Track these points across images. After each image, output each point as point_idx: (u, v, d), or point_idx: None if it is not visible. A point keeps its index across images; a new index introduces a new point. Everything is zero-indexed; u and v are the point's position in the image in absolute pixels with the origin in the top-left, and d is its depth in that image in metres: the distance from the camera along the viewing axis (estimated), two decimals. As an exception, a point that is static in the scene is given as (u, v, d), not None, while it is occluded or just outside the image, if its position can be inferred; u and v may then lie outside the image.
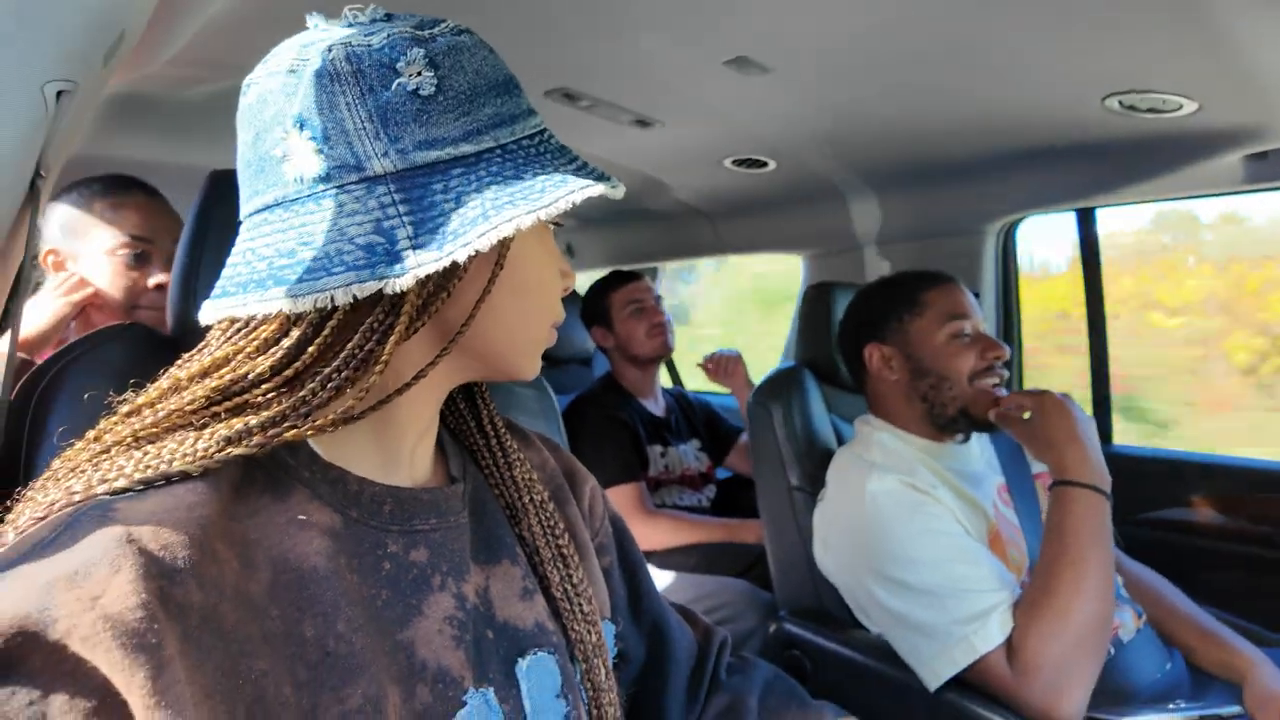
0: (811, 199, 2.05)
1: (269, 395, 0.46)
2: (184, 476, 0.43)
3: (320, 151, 0.45)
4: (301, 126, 0.45)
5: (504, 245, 0.49)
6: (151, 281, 1.18)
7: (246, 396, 0.46)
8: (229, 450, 0.44)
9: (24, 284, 0.70)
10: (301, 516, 0.47)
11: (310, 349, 0.46)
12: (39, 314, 1.14)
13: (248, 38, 1.04)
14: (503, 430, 0.62)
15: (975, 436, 1.33)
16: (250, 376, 0.46)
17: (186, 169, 1.37)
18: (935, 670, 1.08)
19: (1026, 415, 1.18)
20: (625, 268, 2.24)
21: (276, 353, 0.46)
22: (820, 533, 1.32)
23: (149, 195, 1.21)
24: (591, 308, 2.14)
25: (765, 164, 1.78)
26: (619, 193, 0.50)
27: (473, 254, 0.44)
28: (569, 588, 0.59)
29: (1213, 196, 1.57)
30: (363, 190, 0.45)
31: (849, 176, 1.85)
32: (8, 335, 0.63)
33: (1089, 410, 1.84)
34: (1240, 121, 1.26)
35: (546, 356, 2.78)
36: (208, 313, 0.48)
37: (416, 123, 0.45)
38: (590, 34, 1.14)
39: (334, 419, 0.46)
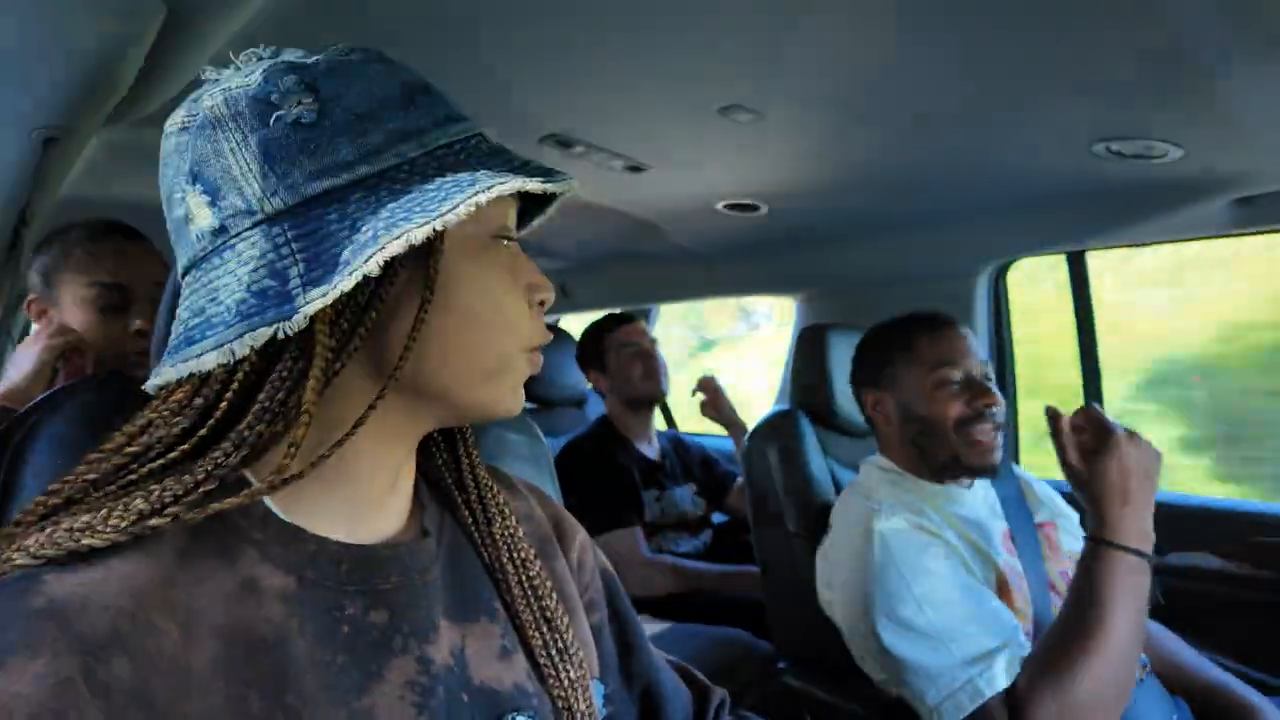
0: (804, 242, 2.06)
1: (186, 460, 0.44)
2: (116, 546, 0.41)
3: (213, 204, 0.43)
4: (194, 181, 0.44)
5: (431, 268, 0.45)
6: (132, 327, 1.16)
7: (162, 461, 0.44)
8: (144, 523, 0.41)
9: (7, 329, 0.69)
10: (251, 581, 0.44)
11: (221, 406, 0.44)
12: (22, 364, 1.12)
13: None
14: (484, 482, 0.58)
15: (979, 482, 1.32)
16: (164, 440, 0.44)
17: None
18: (942, 714, 1.05)
19: (1076, 439, 1.07)
20: (621, 309, 2.25)
21: (189, 414, 0.44)
22: (824, 575, 1.30)
23: (127, 239, 1.19)
24: (586, 350, 2.13)
25: (757, 208, 1.80)
26: (565, 187, 0.48)
27: (362, 279, 0.41)
28: (554, 653, 0.55)
29: (1202, 239, 1.59)
30: (259, 235, 0.43)
31: (839, 220, 1.87)
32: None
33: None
34: (1225, 168, 1.28)
35: (538, 399, 2.78)
36: (149, 385, 0.46)
37: (304, 154, 0.43)
38: (584, 82, 1.16)
39: (271, 481, 0.43)
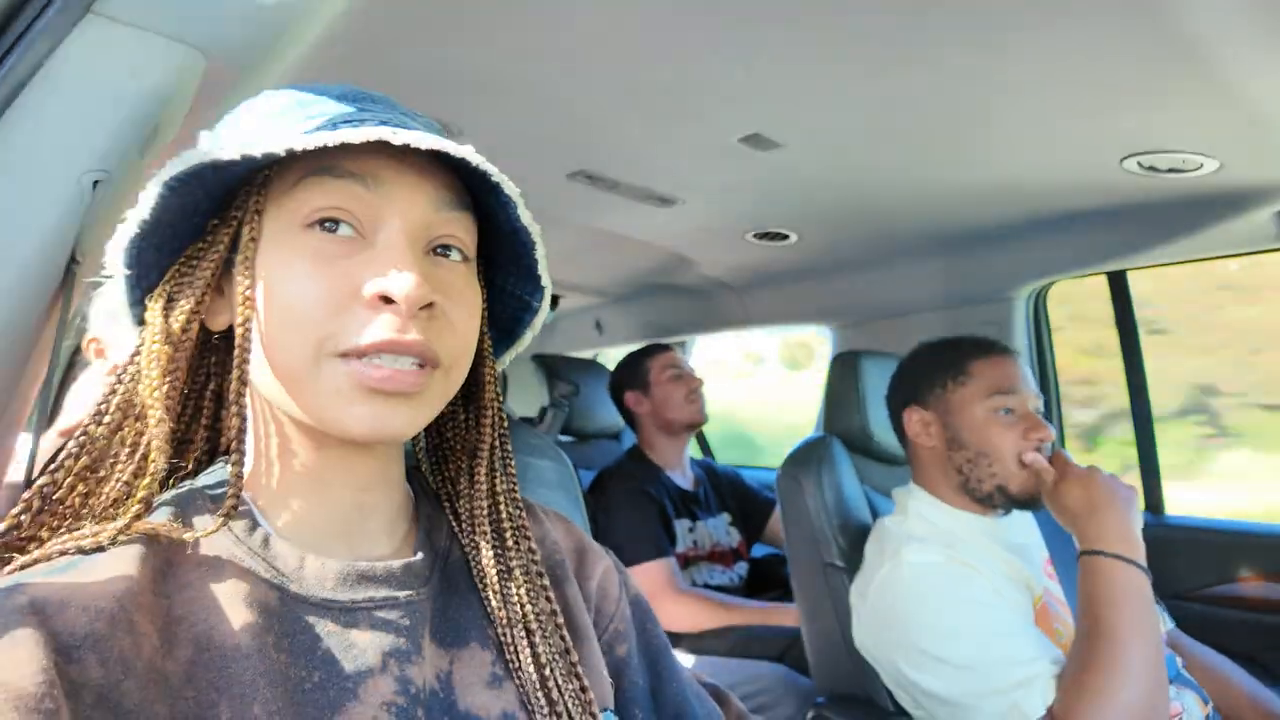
0: (835, 270, 2.06)
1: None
2: (107, 550, 0.43)
3: None
4: None
5: (246, 258, 0.46)
6: None
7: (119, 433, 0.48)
8: (116, 532, 0.44)
9: (55, 368, 0.72)
10: (232, 592, 0.45)
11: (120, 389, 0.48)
12: (82, 401, 1.17)
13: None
14: (508, 514, 0.56)
15: (1019, 510, 1.28)
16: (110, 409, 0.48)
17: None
18: None
19: (1049, 480, 1.14)
20: (654, 341, 2.26)
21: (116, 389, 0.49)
22: (857, 609, 1.27)
23: None
24: (627, 373, 2.14)
25: (787, 236, 1.80)
26: (355, 136, 0.43)
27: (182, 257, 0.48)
28: (551, 685, 0.52)
29: (1248, 255, 1.54)
30: None
31: (871, 246, 1.86)
32: (32, 414, 0.64)
33: (1137, 478, 1.77)
34: (1265, 178, 1.24)
35: (574, 431, 2.79)
36: None
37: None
38: (607, 118, 1.18)
39: (227, 511, 0.45)
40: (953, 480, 1.24)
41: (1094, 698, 0.95)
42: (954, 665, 1.05)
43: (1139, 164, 1.22)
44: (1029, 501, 1.20)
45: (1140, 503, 1.72)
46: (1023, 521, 1.29)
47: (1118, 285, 1.78)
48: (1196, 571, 1.62)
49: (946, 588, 1.10)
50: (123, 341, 1.23)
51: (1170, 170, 1.22)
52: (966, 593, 1.10)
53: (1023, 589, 1.15)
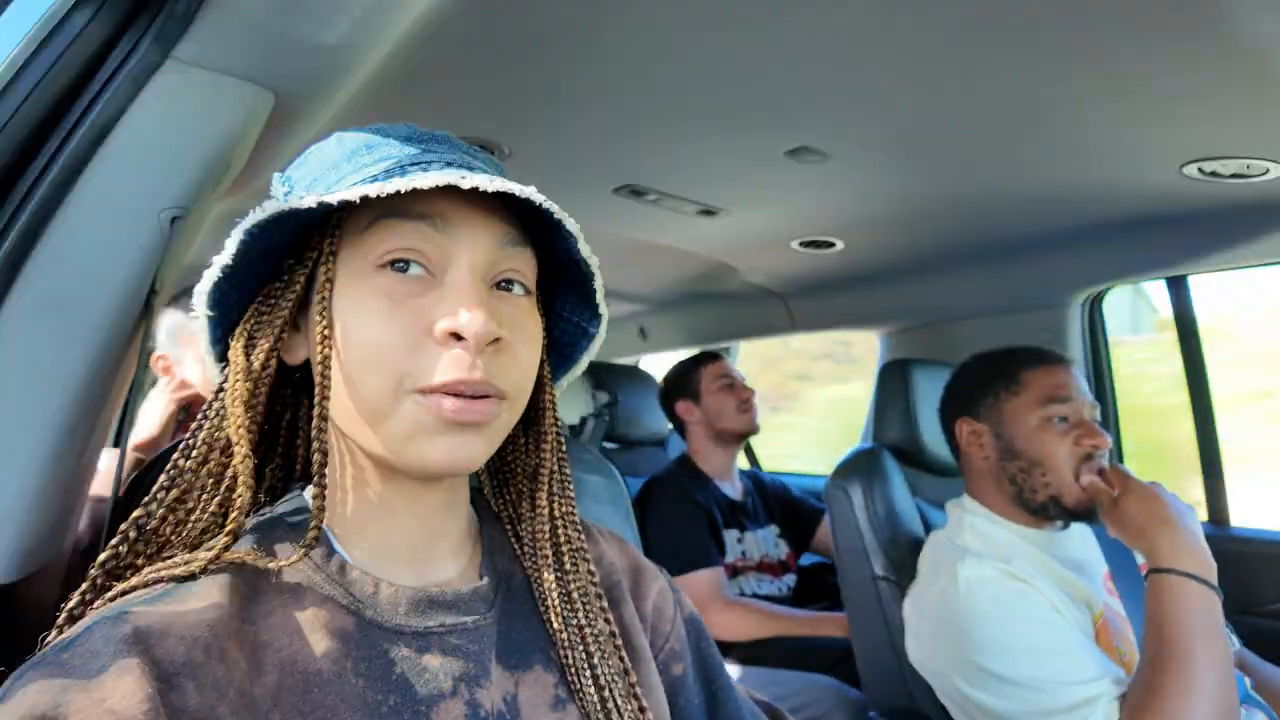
0: (884, 276, 2.03)
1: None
2: (198, 579, 0.46)
3: None
4: None
5: (323, 299, 0.49)
6: None
7: (207, 466, 0.51)
8: (206, 562, 0.46)
9: (137, 388, 0.77)
10: (313, 618, 0.47)
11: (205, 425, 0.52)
12: (150, 416, 1.23)
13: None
14: (566, 538, 0.57)
15: (1076, 524, 1.26)
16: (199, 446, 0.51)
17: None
18: None
19: (1115, 493, 1.11)
20: (699, 349, 2.26)
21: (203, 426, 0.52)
22: (911, 624, 1.26)
23: None
24: (678, 382, 2.14)
25: (833, 244, 1.79)
26: (412, 182, 0.45)
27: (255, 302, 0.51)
28: (610, 708, 0.53)
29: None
30: None
31: (920, 253, 1.84)
32: (114, 432, 0.68)
33: (1199, 492, 1.71)
34: (1335, 183, 1.20)
35: (619, 439, 2.81)
36: None
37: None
38: (653, 134, 1.20)
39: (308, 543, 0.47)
40: (1006, 491, 1.23)
41: (1161, 717, 0.93)
42: (1013, 683, 1.04)
43: (1199, 170, 1.18)
44: (1084, 514, 1.17)
45: (1202, 514, 1.67)
46: (1080, 536, 1.26)
47: (1177, 290, 1.72)
48: (1264, 586, 1.56)
49: (1004, 603, 1.09)
50: (186, 359, 1.29)
51: (1234, 176, 1.19)
52: (1024, 608, 1.08)
53: (1081, 605, 1.13)
